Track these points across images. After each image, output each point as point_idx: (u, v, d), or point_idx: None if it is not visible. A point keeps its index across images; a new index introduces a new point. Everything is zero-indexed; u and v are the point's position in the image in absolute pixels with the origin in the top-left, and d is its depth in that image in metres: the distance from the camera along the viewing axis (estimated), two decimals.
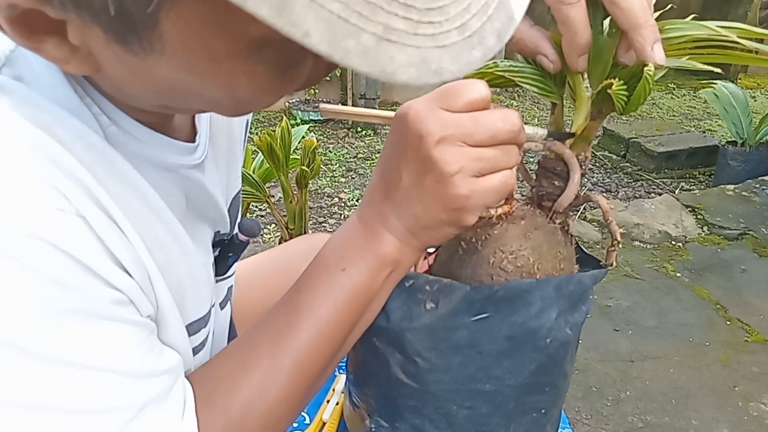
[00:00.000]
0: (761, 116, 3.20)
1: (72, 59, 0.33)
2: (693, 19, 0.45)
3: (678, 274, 2.13)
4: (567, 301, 0.49)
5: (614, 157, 3.72)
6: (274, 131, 1.75)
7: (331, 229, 2.71)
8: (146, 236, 0.40)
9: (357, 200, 3.00)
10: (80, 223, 0.34)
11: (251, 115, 0.67)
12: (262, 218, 2.75)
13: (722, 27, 0.43)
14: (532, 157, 2.45)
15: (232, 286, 0.64)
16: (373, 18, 0.25)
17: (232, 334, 0.66)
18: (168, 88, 0.34)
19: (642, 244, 2.34)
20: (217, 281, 0.58)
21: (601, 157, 3.72)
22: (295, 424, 0.85)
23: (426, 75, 0.27)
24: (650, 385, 1.59)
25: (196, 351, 0.50)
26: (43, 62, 0.36)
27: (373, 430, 0.54)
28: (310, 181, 1.95)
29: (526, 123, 0.44)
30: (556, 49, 0.46)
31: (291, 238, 1.88)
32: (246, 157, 1.51)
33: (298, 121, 4.09)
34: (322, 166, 2.60)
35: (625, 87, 0.44)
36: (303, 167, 1.80)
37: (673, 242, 2.35)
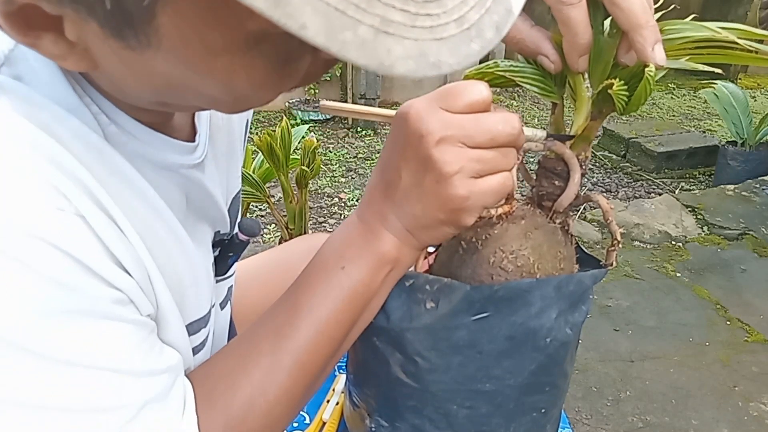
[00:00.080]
0: (761, 116, 3.20)
1: (69, 55, 0.33)
2: (693, 19, 0.45)
3: (678, 274, 2.13)
4: (567, 301, 0.49)
5: (614, 157, 3.72)
6: (274, 131, 1.75)
7: (331, 229, 2.71)
8: (146, 236, 0.40)
9: (357, 200, 3.00)
10: (80, 222, 0.34)
11: (251, 114, 0.67)
12: (262, 218, 2.75)
13: (722, 27, 0.43)
14: (532, 157, 2.45)
15: (232, 286, 0.64)
16: (370, 10, 0.25)
17: (232, 335, 0.66)
18: (165, 84, 0.34)
19: (642, 244, 2.34)
20: (217, 281, 0.58)
21: (601, 157, 3.72)
22: (295, 424, 0.85)
23: (424, 68, 0.27)
24: (650, 385, 1.59)
25: (196, 351, 0.51)
26: (43, 61, 0.36)
27: (373, 430, 0.54)
28: (310, 181, 1.95)
29: (526, 123, 0.44)
30: (556, 49, 0.46)
31: (291, 238, 1.88)
32: (246, 157, 1.51)
33: (298, 121, 4.09)
34: (322, 166, 2.60)
35: (625, 87, 0.44)
36: (303, 167, 1.80)
37: (673, 242, 2.35)
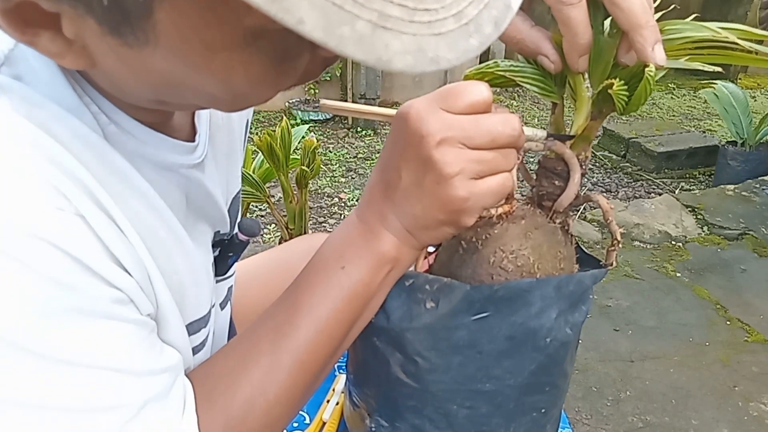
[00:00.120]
0: (761, 116, 3.20)
1: (67, 53, 0.33)
2: (693, 19, 0.45)
3: (678, 274, 2.13)
4: (567, 301, 0.49)
5: (614, 157, 3.72)
6: (274, 131, 1.75)
7: (331, 229, 2.71)
8: (146, 235, 0.40)
9: (357, 200, 3.00)
10: (79, 222, 0.34)
11: (251, 114, 0.67)
12: (262, 218, 2.75)
13: (722, 28, 0.43)
14: (532, 157, 2.45)
15: (232, 286, 0.64)
16: (367, 5, 0.25)
17: (232, 334, 0.66)
18: (163, 81, 0.34)
19: (642, 244, 2.34)
20: (217, 281, 0.58)
21: (601, 157, 3.72)
22: (295, 424, 0.85)
23: (422, 63, 0.27)
24: (650, 385, 1.59)
25: (195, 351, 0.51)
26: (42, 61, 0.36)
27: (373, 430, 0.54)
28: (310, 181, 1.95)
29: (526, 123, 0.44)
30: (556, 49, 0.46)
31: (291, 238, 1.88)
32: (246, 157, 1.51)
33: (298, 121, 4.09)
34: (322, 166, 2.60)
35: (625, 87, 0.44)
36: (303, 167, 1.80)
37: (673, 242, 2.35)
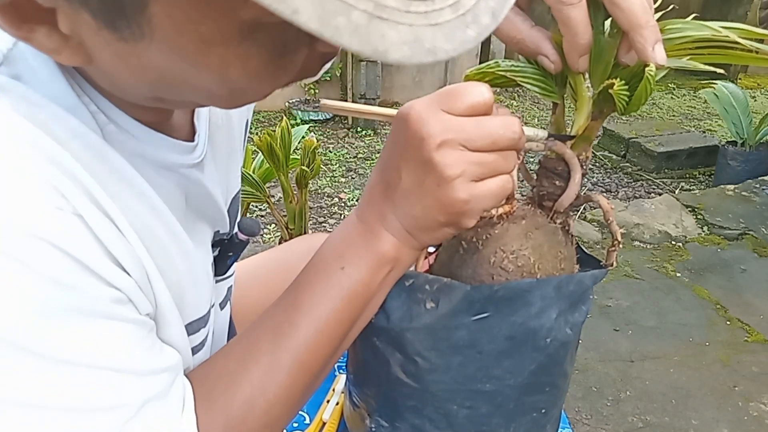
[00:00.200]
0: (761, 116, 3.20)
1: (63, 49, 0.32)
2: (693, 19, 0.45)
3: (678, 274, 2.13)
4: (567, 301, 0.49)
5: (614, 157, 3.72)
6: (274, 131, 1.75)
7: (331, 229, 2.71)
8: (145, 235, 0.40)
9: (357, 200, 3.00)
10: (78, 222, 0.34)
11: (251, 114, 0.67)
12: (262, 218, 2.75)
13: (723, 27, 0.43)
14: (532, 157, 2.45)
15: (231, 286, 0.64)
16: None
17: (231, 334, 0.66)
18: (160, 77, 0.34)
19: (642, 244, 2.33)
20: (216, 281, 0.58)
21: (601, 157, 3.72)
22: (295, 424, 0.85)
23: (419, 54, 0.26)
24: (650, 385, 1.59)
25: (195, 351, 0.51)
26: (41, 60, 0.36)
27: (373, 430, 0.54)
28: (310, 181, 1.95)
29: (526, 123, 0.44)
30: (557, 49, 0.46)
31: (291, 238, 1.88)
32: (246, 157, 1.51)
33: (298, 121, 4.09)
34: (322, 166, 2.60)
35: (626, 87, 0.44)
36: (303, 167, 1.80)
37: (673, 242, 2.35)
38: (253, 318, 0.48)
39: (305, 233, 1.94)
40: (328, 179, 3.26)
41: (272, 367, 0.44)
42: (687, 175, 3.50)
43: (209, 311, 0.52)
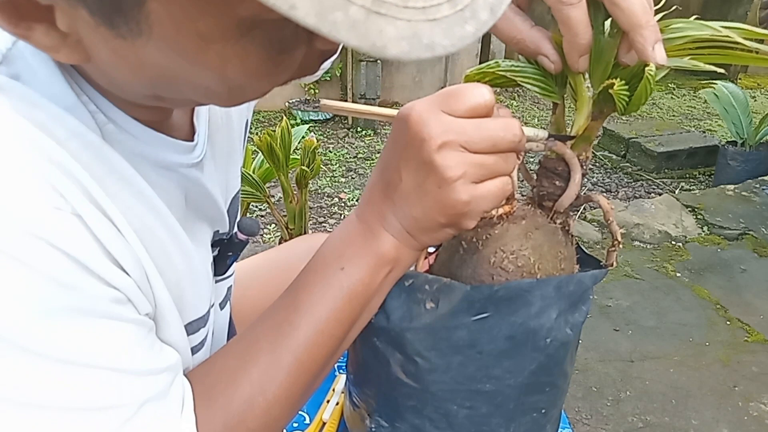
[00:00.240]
0: (761, 116, 3.20)
1: (61, 47, 0.32)
2: (693, 19, 0.45)
3: (678, 274, 2.13)
4: (567, 301, 0.49)
5: (614, 157, 3.72)
6: (274, 131, 1.75)
7: (331, 229, 2.71)
8: (144, 235, 0.40)
9: (357, 200, 3.00)
10: (77, 222, 0.34)
11: (251, 114, 0.67)
12: (262, 218, 2.75)
13: (723, 27, 0.43)
14: (532, 157, 2.45)
15: (231, 286, 0.64)
16: None
17: (231, 334, 0.66)
18: (158, 75, 0.34)
19: (642, 244, 2.33)
20: (216, 281, 0.58)
21: (601, 157, 3.72)
22: (295, 424, 0.85)
23: (418, 49, 0.26)
24: (650, 385, 1.59)
25: (194, 350, 0.51)
26: (40, 59, 0.36)
27: (373, 430, 0.54)
28: (310, 181, 1.95)
29: (526, 123, 0.44)
30: (557, 49, 0.46)
31: (291, 238, 1.88)
32: (246, 157, 1.51)
33: (298, 121, 4.09)
34: (322, 166, 2.60)
35: (626, 87, 0.44)
36: (303, 167, 1.80)
37: (673, 242, 2.35)
38: (253, 318, 0.48)
39: (305, 233, 1.94)
40: (328, 179, 3.26)
41: (272, 366, 0.44)
42: (687, 175, 3.50)
43: (209, 311, 0.52)
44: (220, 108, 0.55)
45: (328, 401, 0.89)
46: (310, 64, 0.37)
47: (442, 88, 0.43)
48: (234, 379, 0.44)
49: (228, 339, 0.65)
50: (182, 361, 0.44)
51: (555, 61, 0.46)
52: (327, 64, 0.80)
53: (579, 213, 2.50)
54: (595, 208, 2.51)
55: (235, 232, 0.58)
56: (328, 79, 4.21)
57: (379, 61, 4.02)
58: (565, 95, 0.50)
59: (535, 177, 0.54)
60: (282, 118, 2.00)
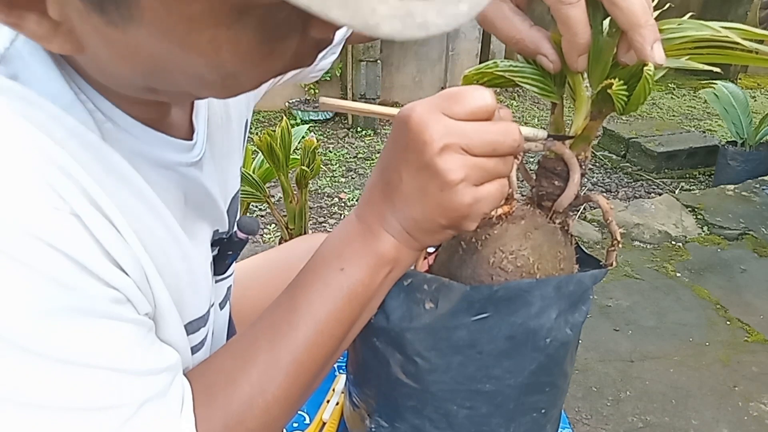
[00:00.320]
0: (761, 116, 3.20)
1: (54, 37, 0.32)
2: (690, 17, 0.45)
3: (678, 274, 2.13)
4: (567, 301, 0.49)
5: (614, 157, 3.72)
6: (274, 131, 1.74)
7: (331, 229, 2.71)
8: (143, 234, 0.40)
9: (357, 200, 3.00)
10: (76, 222, 0.34)
11: (251, 114, 0.67)
12: (262, 218, 2.75)
13: (723, 27, 0.43)
14: (532, 157, 2.45)
15: (231, 286, 0.64)
16: None
17: (231, 334, 0.66)
18: (151, 64, 0.33)
19: (642, 244, 2.33)
20: (216, 281, 0.58)
21: (601, 157, 3.72)
22: (295, 424, 0.86)
23: (411, 28, 0.26)
24: (650, 385, 1.59)
25: (194, 350, 0.51)
26: (38, 58, 0.36)
27: (373, 430, 0.54)
28: (310, 181, 1.94)
29: (526, 123, 0.44)
30: (556, 49, 0.46)
31: (291, 238, 1.88)
32: (246, 157, 1.51)
33: (298, 121, 4.09)
34: (322, 166, 2.60)
35: (625, 87, 0.44)
36: (303, 167, 1.80)
37: (673, 242, 2.35)
38: (253, 318, 0.48)
39: (305, 233, 1.94)
40: (328, 179, 3.26)
41: (271, 366, 0.44)
42: (687, 175, 3.50)
43: (209, 311, 0.52)
44: (219, 107, 0.55)
45: (328, 401, 0.89)
46: (305, 54, 0.37)
47: (442, 88, 0.43)
48: (233, 379, 0.44)
49: (228, 339, 0.65)
50: (182, 360, 0.44)
51: (554, 61, 0.46)
52: (326, 64, 0.81)
53: (578, 213, 2.50)
54: (594, 208, 2.51)
55: (235, 231, 0.58)
56: (328, 79, 4.21)
57: (379, 61, 4.02)
58: (564, 95, 0.50)
59: (534, 177, 0.54)
60: (282, 118, 2.00)
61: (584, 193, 0.52)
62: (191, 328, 0.49)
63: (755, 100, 4.99)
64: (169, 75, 0.35)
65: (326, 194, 3.09)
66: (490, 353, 0.48)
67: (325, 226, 2.77)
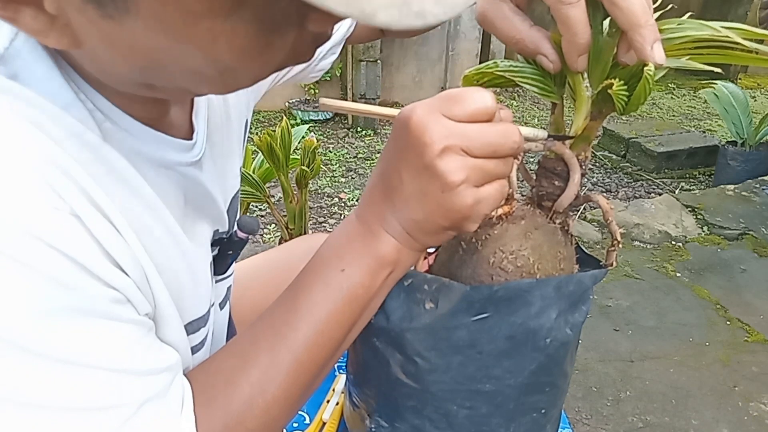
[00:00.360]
0: (761, 116, 3.20)
1: (50, 31, 0.32)
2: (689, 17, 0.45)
3: (678, 274, 2.13)
4: (567, 301, 0.49)
5: (614, 157, 3.72)
6: (274, 131, 1.74)
7: (331, 229, 2.71)
8: (143, 234, 0.40)
9: (357, 200, 3.00)
10: (75, 222, 0.34)
11: (251, 114, 0.67)
12: (262, 218, 2.75)
13: (723, 27, 0.43)
14: (532, 157, 2.45)
15: (231, 286, 0.64)
16: None
17: (231, 334, 0.66)
18: (148, 58, 0.33)
19: (642, 244, 2.33)
20: (216, 281, 0.58)
21: (601, 157, 3.72)
22: (295, 424, 0.86)
23: (408, 17, 0.25)
24: (650, 385, 1.59)
25: (194, 350, 0.51)
26: (37, 57, 0.36)
27: (373, 430, 0.54)
28: (310, 181, 1.94)
29: (525, 123, 0.44)
30: (556, 49, 0.46)
31: (291, 238, 1.88)
32: (246, 157, 1.51)
33: (298, 121, 4.09)
34: (322, 166, 2.60)
35: (625, 87, 0.44)
36: (303, 167, 1.80)
37: (673, 242, 2.35)
38: (253, 318, 0.48)
39: (305, 233, 1.94)
40: (328, 179, 3.26)
41: (271, 367, 0.44)
42: (687, 175, 3.50)
43: (209, 311, 0.52)
44: (219, 107, 0.55)
45: (328, 401, 0.89)
46: (302, 48, 0.37)
47: (442, 88, 0.43)
48: (233, 380, 0.44)
49: (228, 339, 0.65)
50: (182, 360, 0.44)
51: (554, 61, 0.46)
52: (327, 65, 0.81)
53: (578, 213, 2.50)
54: (594, 208, 2.51)
55: (235, 231, 0.58)
56: (328, 79, 4.21)
57: (379, 61, 4.02)
58: (564, 95, 0.50)
59: (534, 177, 0.54)
60: (282, 118, 2.00)
61: (584, 193, 0.52)
62: (191, 328, 0.49)
63: (755, 100, 4.99)
64: (166, 70, 0.34)
65: (326, 194, 3.09)
66: (490, 353, 0.48)
67: (325, 226, 2.77)
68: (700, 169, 3.55)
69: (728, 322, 1.88)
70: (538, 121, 4.44)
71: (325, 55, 0.77)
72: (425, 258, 0.56)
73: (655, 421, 1.48)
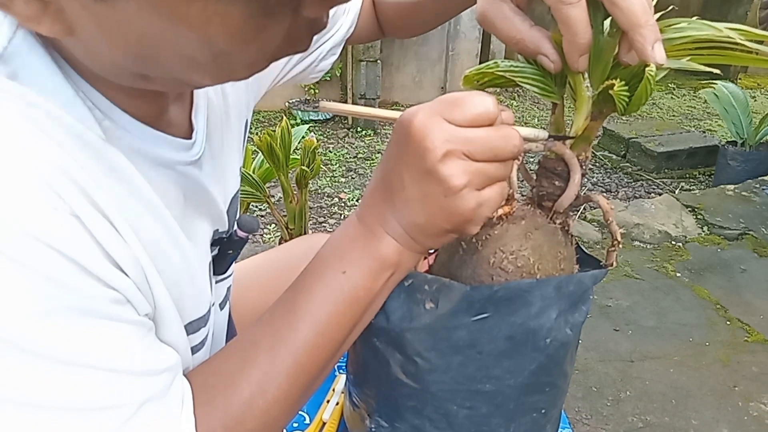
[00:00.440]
0: (761, 116, 3.20)
1: (43, 18, 0.32)
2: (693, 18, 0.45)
3: (678, 274, 2.13)
4: (567, 301, 0.49)
5: (614, 157, 3.72)
6: (274, 131, 1.75)
7: (331, 229, 2.71)
8: (142, 234, 0.39)
9: (357, 200, 3.00)
10: (75, 222, 0.34)
11: (251, 114, 0.67)
12: (262, 218, 2.75)
13: (724, 27, 0.43)
14: (532, 157, 2.45)
15: (230, 286, 0.64)
16: None
17: (231, 335, 0.66)
18: (141, 44, 0.33)
19: (642, 244, 2.33)
20: (216, 281, 0.57)
21: (601, 157, 3.72)
22: (295, 424, 0.86)
23: None
24: (650, 385, 1.59)
25: (194, 350, 0.51)
26: (37, 55, 0.36)
27: (373, 430, 0.54)
28: (310, 181, 1.95)
29: (526, 123, 0.44)
30: (556, 49, 0.46)
31: (291, 238, 1.88)
32: (246, 157, 1.51)
33: (298, 121, 4.09)
34: (322, 166, 2.60)
35: (626, 87, 0.44)
36: (303, 167, 1.80)
37: (673, 242, 2.35)
38: (252, 318, 0.48)
39: (305, 233, 1.94)
40: (328, 179, 3.26)
41: (271, 368, 0.44)
42: (687, 175, 3.50)
43: (209, 311, 0.52)
44: (219, 107, 0.55)
45: (328, 401, 0.89)
46: (298, 35, 0.36)
47: (442, 88, 0.43)
48: (233, 380, 0.44)
49: (228, 339, 0.65)
50: (182, 361, 0.44)
51: (554, 61, 0.46)
52: (327, 65, 0.81)
53: (579, 213, 2.50)
54: (594, 208, 2.51)
55: (235, 231, 0.58)
56: (328, 79, 4.21)
57: (379, 61, 4.02)
58: (565, 95, 0.50)
59: (534, 177, 0.54)
60: (282, 118, 2.00)
61: (584, 193, 0.52)
62: (191, 328, 0.49)
63: (755, 100, 4.99)
64: (160, 57, 0.34)
65: (326, 194, 3.09)
66: (490, 353, 0.48)
67: (325, 226, 2.77)
68: (700, 169, 3.55)
69: (728, 322, 1.88)
70: (538, 121, 4.44)
71: (326, 56, 0.77)
72: (425, 258, 0.56)
73: (655, 421, 1.48)
